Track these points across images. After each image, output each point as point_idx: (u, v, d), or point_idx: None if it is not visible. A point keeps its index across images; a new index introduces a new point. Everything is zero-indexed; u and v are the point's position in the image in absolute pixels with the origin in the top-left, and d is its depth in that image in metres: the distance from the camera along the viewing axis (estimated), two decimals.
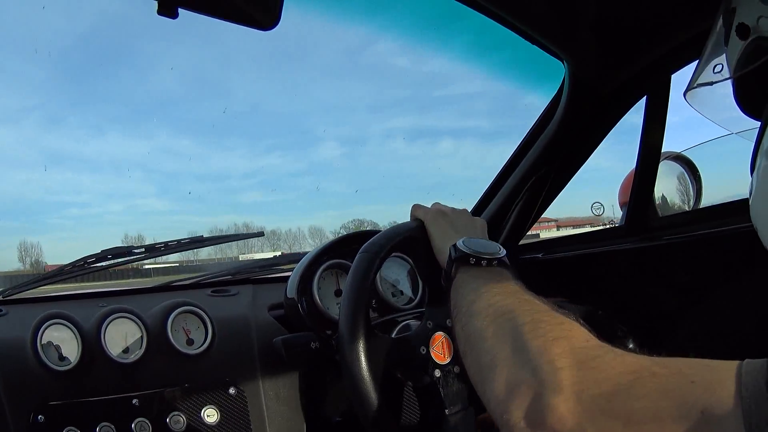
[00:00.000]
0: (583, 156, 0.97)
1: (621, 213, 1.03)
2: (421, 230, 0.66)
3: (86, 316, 0.83)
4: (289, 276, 0.89)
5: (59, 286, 1.00)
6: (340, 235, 0.88)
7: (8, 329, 0.84)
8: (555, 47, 0.89)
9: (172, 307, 0.81)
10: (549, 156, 0.95)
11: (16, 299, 0.95)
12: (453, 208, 0.68)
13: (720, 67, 0.53)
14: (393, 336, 0.71)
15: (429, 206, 0.70)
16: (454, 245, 0.56)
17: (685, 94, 0.57)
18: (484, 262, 0.53)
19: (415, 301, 0.90)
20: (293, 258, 0.98)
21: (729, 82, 0.52)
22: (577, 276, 0.97)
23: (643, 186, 0.97)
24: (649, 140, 0.96)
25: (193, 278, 0.97)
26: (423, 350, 0.66)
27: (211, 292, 0.93)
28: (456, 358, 0.69)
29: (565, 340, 0.39)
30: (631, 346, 0.83)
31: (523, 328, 0.42)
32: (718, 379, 0.30)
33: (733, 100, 0.53)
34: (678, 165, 1.06)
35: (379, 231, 0.71)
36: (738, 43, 0.48)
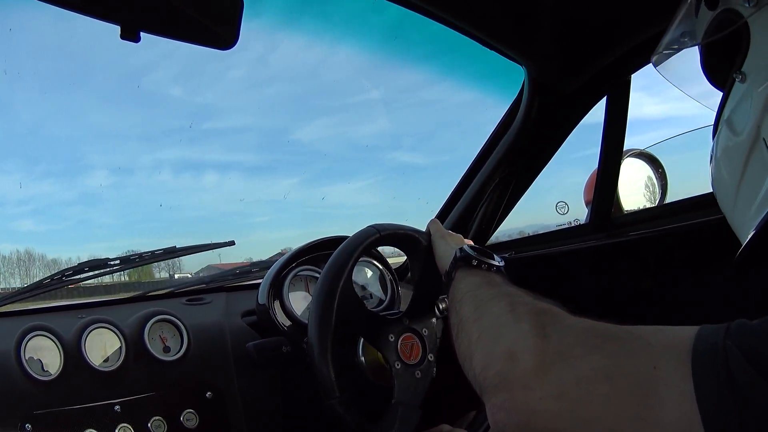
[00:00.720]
0: (546, 157, 1.06)
1: (586, 211, 1.12)
2: (427, 238, 0.79)
3: (66, 327, 0.90)
4: (260, 283, 0.97)
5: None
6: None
7: None
8: (514, 52, 0.97)
9: (148, 316, 0.89)
10: (511, 158, 1.03)
11: None
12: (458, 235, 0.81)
13: (688, 35, 0.59)
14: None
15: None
16: (461, 248, 0.67)
17: (653, 61, 0.62)
18: (484, 266, 0.64)
19: (384, 303, 0.98)
20: (265, 265, 1.06)
21: (697, 53, 0.58)
22: (545, 274, 1.05)
23: (606, 184, 1.06)
24: (611, 139, 1.04)
25: (168, 288, 1.05)
26: (392, 338, 0.76)
27: (186, 300, 1.01)
28: (421, 363, 0.78)
29: (540, 315, 0.47)
30: None
31: (504, 309, 0.51)
32: (674, 342, 0.35)
33: (699, 69, 0.59)
34: (642, 161, 1.15)
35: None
36: (707, 14, 0.54)
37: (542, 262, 1.06)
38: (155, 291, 1.04)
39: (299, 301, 0.94)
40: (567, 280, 1.04)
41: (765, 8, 0.48)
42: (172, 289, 1.04)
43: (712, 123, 0.56)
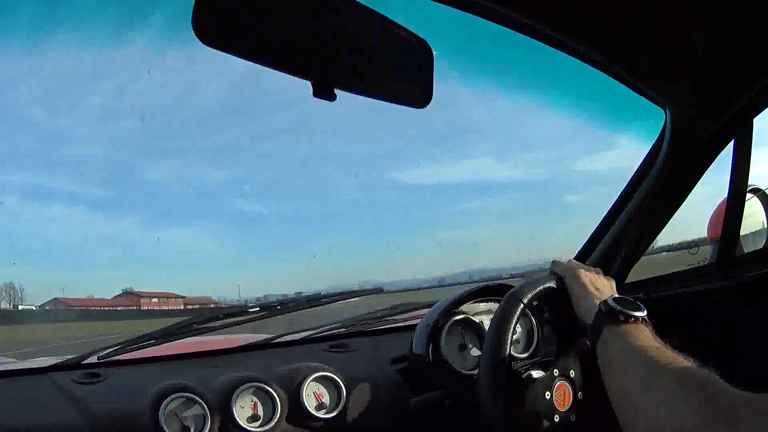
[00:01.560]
0: (681, 198, 1.08)
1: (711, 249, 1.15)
2: (560, 283, 0.79)
3: (204, 381, 0.87)
4: (403, 326, 0.95)
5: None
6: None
7: (114, 396, 0.87)
8: (659, 95, 0.98)
9: (305, 373, 0.86)
10: (651, 201, 1.05)
11: (113, 361, 0.97)
12: (587, 267, 0.80)
13: None
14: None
15: (566, 263, 0.80)
16: (605, 301, 0.68)
17: None
18: (631, 320, 0.65)
19: (530, 351, 0.98)
20: (406, 308, 1.04)
21: None
22: (680, 316, 1.06)
23: (733, 222, 1.09)
24: (738, 179, 1.08)
25: (303, 333, 1.02)
26: (548, 395, 0.77)
27: (329, 347, 0.98)
28: (573, 407, 0.79)
29: (706, 389, 0.52)
30: None
31: (672, 386, 0.54)
32: None
33: None
34: (757, 199, 1.19)
35: (508, 284, 0.81)
36: None
37: (677, 303, 1.08)
38: (289, 335, 1.01)
39: (455, 350, 0.93)
40: (703, 321, 1.07)
41: None
42: (308, 334, 1.01)
43: None
